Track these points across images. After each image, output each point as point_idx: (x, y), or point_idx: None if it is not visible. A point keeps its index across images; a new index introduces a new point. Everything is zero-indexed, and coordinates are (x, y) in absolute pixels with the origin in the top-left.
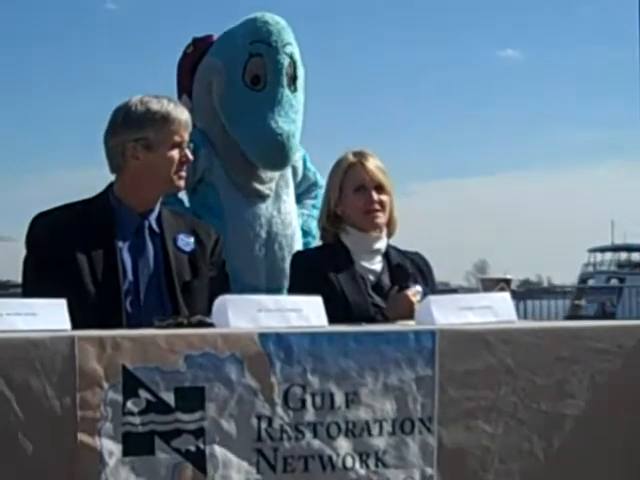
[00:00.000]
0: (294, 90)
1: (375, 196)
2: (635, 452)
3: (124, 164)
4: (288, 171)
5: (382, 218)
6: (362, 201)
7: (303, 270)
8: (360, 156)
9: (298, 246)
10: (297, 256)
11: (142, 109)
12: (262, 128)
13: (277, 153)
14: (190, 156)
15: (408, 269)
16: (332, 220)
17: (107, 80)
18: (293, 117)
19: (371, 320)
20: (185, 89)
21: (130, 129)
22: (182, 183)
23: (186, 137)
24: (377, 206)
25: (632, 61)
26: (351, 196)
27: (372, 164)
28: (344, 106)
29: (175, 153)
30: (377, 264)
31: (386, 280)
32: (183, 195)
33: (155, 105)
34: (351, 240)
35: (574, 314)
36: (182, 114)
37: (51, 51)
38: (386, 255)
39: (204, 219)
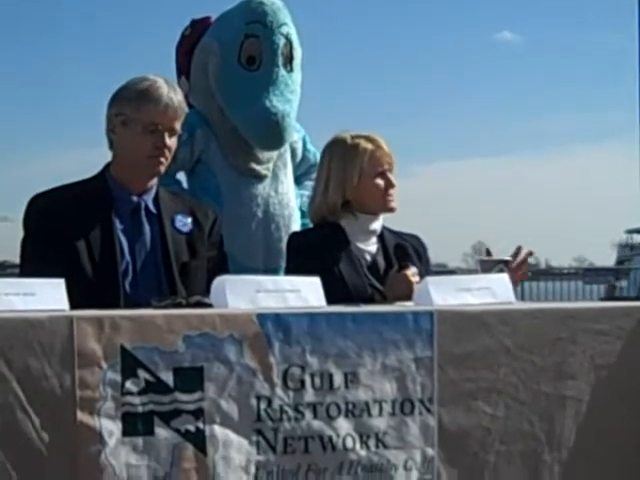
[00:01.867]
0: (290, 70)
1: (394, 180)
2: (636, 433)
3: (110, 140)
4: (287, 152)
5: (396, 202)
6: (382, 186)
7: (300, 251)
8: (376, 142)
9: (296, 226)
10: (293, 237)
11: (130, 85)
12: (257, 108)
13: (272, 132)
14: (168, 142)
15: (408, 249)
16: (343, 207)
17: (107, 61)
18: (288, 97)
19: (369, 301)
20: (183, 71)
21: (114, 103)
22: (159, 169)
23: (170, 123)
24: (393, 190)
25: (629, 44)
26: (371, 182)
27: (386, 147)
28: (346, 88)
29: (148, 135)
30: (372, 245)
31: (381, 260)
32: (182, 176)
33: (142, 84)
34: (349, 222)
35: (611, 296)
36: (167, 98)
37: (50, 31)
38: (380, 236)
39: (202, 200)
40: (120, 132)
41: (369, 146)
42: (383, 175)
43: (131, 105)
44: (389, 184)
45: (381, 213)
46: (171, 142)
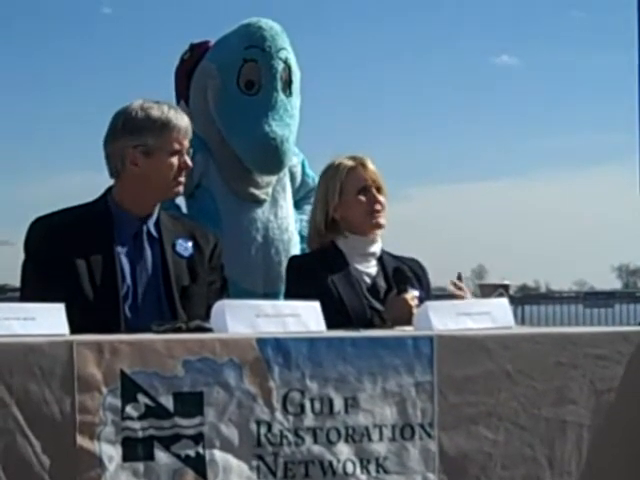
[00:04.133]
0: (289, 95)
1: (379, 196)
2: (635, 457)
3: (123, 169)
4: (286, 176)
5: (384, 219)
6: (366, 202)
7: (299, 274)
8: (359, 159)
9: (295, 251)
10: (293, 260)
11: (142, 115)
12: (256, 132)
13: (271, 157)
14: (189, 163)
15: (406, 272)
16: (329, 226)
17: (106, 84)
18: (288, 121)
19: (368, 323)
20: (183, 95)
21: (130, 135)
22: (180, 189)
23: (186, 144)
24: (379, 206)
25: (628, 65)
26: (353, 198)
27: (371, 166)
28: (344, 112)
29: (174, 160)
30: (372, 267)
31: (381, 283)
32: (181, 201)
33: (155, 112)
34: (346, 244)
35: None
36: (182, 121)
37: (50, 56)
38: (380, 259)
39: (201, 224)
40: (143, 162)
41: (349, 163)
42: (365, 191)
43: (153, 135)
44: (373, 200)
45: (369, 231)
46: (189, 162)
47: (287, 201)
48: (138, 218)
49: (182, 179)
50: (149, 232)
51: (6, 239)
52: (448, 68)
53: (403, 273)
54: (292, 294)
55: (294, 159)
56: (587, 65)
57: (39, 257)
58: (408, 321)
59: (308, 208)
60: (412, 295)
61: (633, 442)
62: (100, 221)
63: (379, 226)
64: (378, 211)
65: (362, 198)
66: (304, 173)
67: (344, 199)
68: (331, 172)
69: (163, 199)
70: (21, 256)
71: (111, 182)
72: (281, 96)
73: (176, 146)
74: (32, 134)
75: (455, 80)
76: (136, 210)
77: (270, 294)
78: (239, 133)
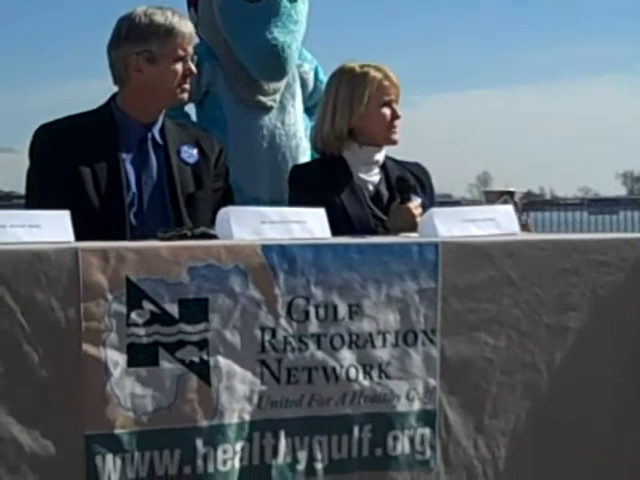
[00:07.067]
0: (294, 1)
1: (399, 112)
2: (635, 363)
3: (127, 76)
4: (295, 82)
5: (398, 135)
6: (388, 115)
7: (301, 184)
8: (383, 71)
9: (304, 157)
10: (295, 170)
11: (146, 21)
12: (258, 39)
13: (273, 64)
14: (194, 69)
15: (410, 181)
16: (348, 136)
17: None
18: (291, 28)
19: (372, 232)
20: (193, 2)
21: (133, 41)
22: (185, 96)
23: (190, 50)
24: (398, 122)
25: None
26: (377, 111)
27: (394, 78)
28: (353, 18)
29: (178, 66)
30: (375, 175)
31: (384, 191)
32: (191, 109)
33: (159, 17)
34: (351, 153)
35: None
36: (186, 27)
37: None
38: (383, 166)
39: (209, 132)
40: (147, 69)
41: (378, 75)
42: (389, 105)
43: (157, 41)
44: (395, 115)
45: (383, 145)
46: (193, 68)
47: (296, 108)
48: (143, 125)
49: (187, 86)
50: (154, 139)
51: (10, 147)
52: None
53: (407, 182)
54: (295, 205)
55: (306, 65)
56: None
57: (44, 164)
58: (412, 230)
59: None
60: (416, 204)
61: (632, 348)
62: (105, 128)
63: (394, 142)
64: (396, 126)
65: (385, 111)
66: (317, 79)
67: (368, 111)
68: (357, 80)
69: (167, 106)
70: (26, 164)
71: (115, 89)
72: (285, 2)
73: (180, 52)
74: (35, 42)
75: None
76: (141, 117)
77: (277, 201)
78: (242, 40)
